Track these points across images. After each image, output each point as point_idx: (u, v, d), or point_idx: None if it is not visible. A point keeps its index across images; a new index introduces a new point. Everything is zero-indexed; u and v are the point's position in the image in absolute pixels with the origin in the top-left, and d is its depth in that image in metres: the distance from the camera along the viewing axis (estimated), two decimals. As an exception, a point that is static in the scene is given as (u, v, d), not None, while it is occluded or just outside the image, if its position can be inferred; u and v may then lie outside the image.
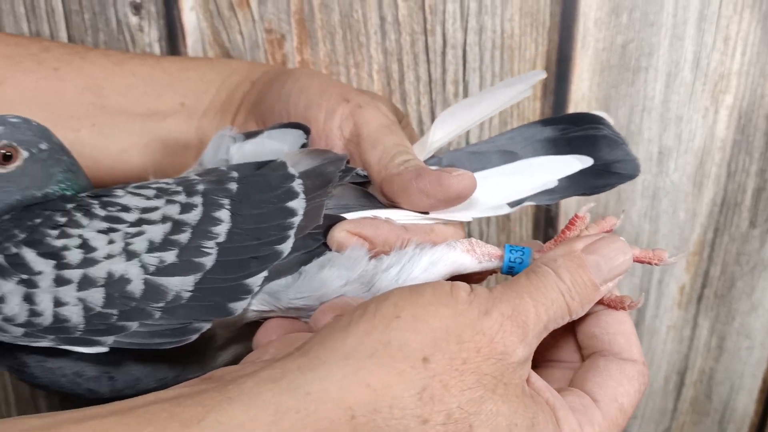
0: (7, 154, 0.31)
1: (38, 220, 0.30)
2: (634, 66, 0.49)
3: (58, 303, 0.28)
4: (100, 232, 0.29)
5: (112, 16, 0.48)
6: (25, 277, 0.28)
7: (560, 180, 0.34)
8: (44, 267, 0.28)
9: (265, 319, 0.31)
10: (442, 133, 0.35)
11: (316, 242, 0.31)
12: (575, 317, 0.28)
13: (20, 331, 0.28)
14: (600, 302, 0.30)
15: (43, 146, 0.32)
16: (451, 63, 0.50)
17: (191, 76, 0.42)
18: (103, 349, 0.28)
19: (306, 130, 0.36)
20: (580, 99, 0.51)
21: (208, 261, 0.30)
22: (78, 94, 0.41)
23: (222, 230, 0.30)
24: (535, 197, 0.34)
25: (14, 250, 0.29)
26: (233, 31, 0.49)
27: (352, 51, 0.49)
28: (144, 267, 0.29)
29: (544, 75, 0.36)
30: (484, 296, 0.27)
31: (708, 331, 0.59)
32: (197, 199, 0.31)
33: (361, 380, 0.24)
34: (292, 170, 0.33)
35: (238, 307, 0.30)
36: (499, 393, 0.25)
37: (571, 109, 0.50)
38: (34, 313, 0.28)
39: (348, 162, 0.34)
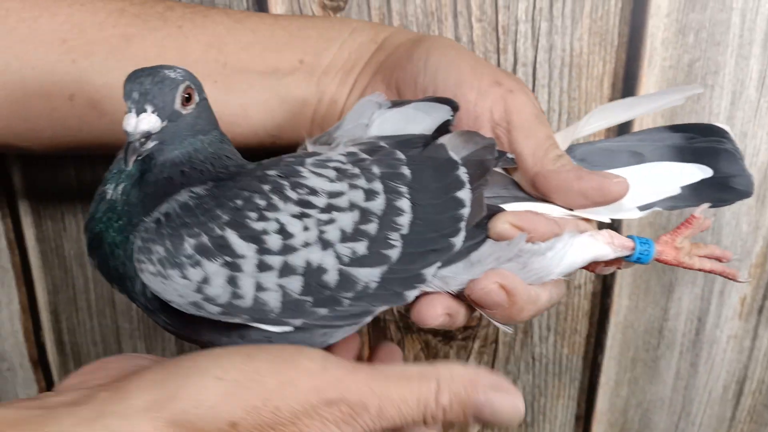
0: (188, 96, 0.31)
1: (239, 202, 0.30)
2: (700, 84, 0.51)
3: (259, 288, 0.29)
4: (294, 216, 0.30)
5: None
6: (229, 259, 0.29)
7: (683, 188, 0.36)
8: (247, 251, 0.29)
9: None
10: (590, 128, 0.38)
11: (482, 232, 0.33)
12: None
13: (218, 309, 0.29)
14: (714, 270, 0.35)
15: (203, 94, 0.33)
16: (521, 79, 0.53)
17: (311, 34, 0.42)
18: (290, 329, 0.30)
19: (455, 107, 0.36)
20: (647, 115, 0.53)
21: (394, 254, 0.31)
22: (201, 52, 0.41)
23: (405, 221, 0.31)
24: (661, 203, 0.36)
25: (219, 231, 0.29)
26: (320, 49, 0.53)
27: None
28: (339, 257, 0.30)
29: (701, 90, 0.39)
30: (331, 378, 0.28)
31: (769, 342, 0.60)
32: (378, 186, 0.32)
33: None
34: (454, 156, 0.34)
35: (412, 294, 0.32)
36: None
37: (637, 125, 0.53)
38: (236, 296, 0.29)
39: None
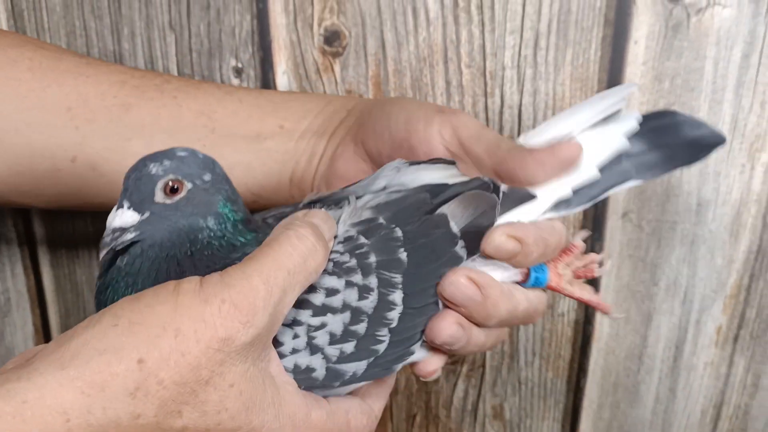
0: (174, 187, 0.33)
1: None
2: (632, 83, 0.54)
3: None
4: (286, 325, 0.32)
5: (217, 78, 0.57)
6: None
7: (629, 139, 0.38)
8: None
9: None
10: (535, 141, 0.39)
11: None
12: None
13: None
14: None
15: (206, 177, 0.34)
16: (508, 121, 0.56)
17: (292, 105, 0.47)
18: None
19: (452, 163, 0.38)
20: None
21: (382, 347, 0.33)
22: (193, 118, 0.45)
23: (395, 315, 0.33)
24: (638, 176, 0.38)
25: None
26: (318, 91, 0.57)
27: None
28: (326, 358, 0.32)
29: (635, 87, 0.41)
30: (210, 284, 0.28)
31: (744, 369, 0.63)
32: (373, 281, 0.33)
33: (76, 388, 0.26)
34: (454, 228, 0.35)
35: (400, 366, 0.35)
36: (213, 382, 0.28)
37: (616, 164, 0.56)
38: None
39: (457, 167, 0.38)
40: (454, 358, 0.64)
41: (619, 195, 0.58)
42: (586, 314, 0.61)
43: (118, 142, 0.44)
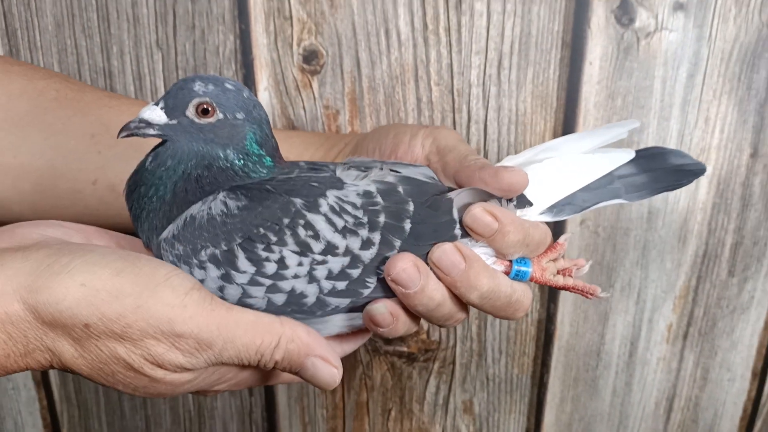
0: (206, 109, 0.37)
1: (256, 231, 0.36)
2: (627, 141, 0.59)
3: (245, 295, 0.36)
4: (294, 253, 0.36)
5: (203, 94, 0.60)
6: (229, 271, 0.36)
7: (625, 165, 0.42)
8: (248, 268, 0.36)
9: None
10: (514, 161, 0.42)
11: None
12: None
13: None
14: (573, 288, 0.41)
15: (239, 115, 0.37)
16: (474, 135, 0.60)
17: (295, 140, 0.51)
18: None
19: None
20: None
21: (366, 291, 0.37)
22: None
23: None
24: (627, 196, 0.42)
25: (231, 248, 0.36)
26: (298, 107, 0.60)
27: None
28: (320, 289, 0.37)
29: (637, 124, 0.44)
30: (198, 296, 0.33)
31: (693, 364, 0.68)
32: (376, 237, 0.37)
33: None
34: (455, 214, 0.39)
35: (367, 306, 0.38)
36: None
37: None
38: (223, 292, 0.36)
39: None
40: (427, 355, 0.68)
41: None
42: (548, 314, 0.66)
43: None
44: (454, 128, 0.60)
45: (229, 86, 0.37)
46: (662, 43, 0.57)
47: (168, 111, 0.37)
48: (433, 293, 0.37)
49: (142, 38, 0.58)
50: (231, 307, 0.35)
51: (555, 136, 0.60)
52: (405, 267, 0.36)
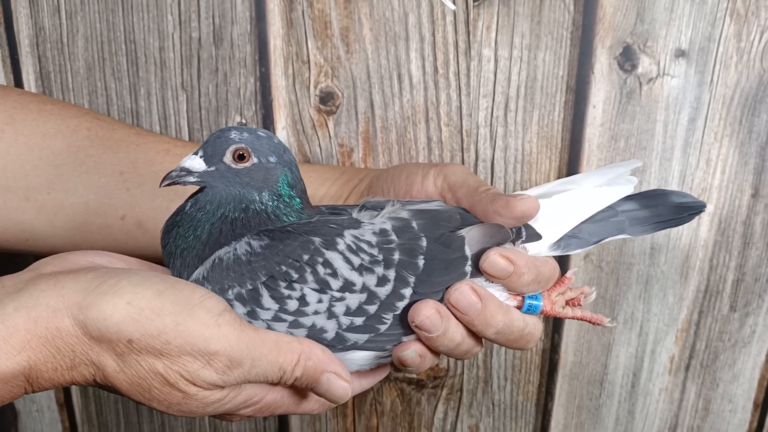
0: (242, 155, 0.40)
1: (279, 269, 0.39)
2: (636, 159, 0.61)
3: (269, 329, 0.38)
4: (314, 291, 0.39)
5: (224, 132, 0.63)
6: (255, 308, 0.38)
7: (628, 200, 0.44)
8: (271, 305, 0.38)
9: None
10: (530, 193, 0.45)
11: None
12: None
13: None
14: (584, 319, 0.43)
15: (272, 159, 0.40)
16: (482, 173, 0.63)
17: (311, 174, 0.54)
18: None
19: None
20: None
21: (383, 327, 0.40)
22: None
23: (402, 305, 0.40)
24: (630, 230, 0.44)
25: (256, 287, 0.39)
26: (314, 144, 0.63)
27: (404, 162, 0.63)
28: (339, 324, 0.39)
29: (639, 163, 0.46)
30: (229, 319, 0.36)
31: (695, 395, 0.69)
32: (391, 274, 0.40)
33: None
34: (467, 251, 0.41)
35: (390, 347, 0.41)
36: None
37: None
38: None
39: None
40: (435, 382, 0.70)
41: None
42: (553, 344, 0.68)
43: (163, 203, 0.50)
44: (463, 166, 0.63)
45: (261, 134, 0.41)
46: (664, 89, 0.59)
47: (207, 159, 0.40)
48: (453, 335, 0.41)
49: (168, 81, 0.62)
50: (257, 328, 0.38)
51: (560, 174, 0.62)
52: (429, 314, 0.39)
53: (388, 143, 0.63)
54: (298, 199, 0.42)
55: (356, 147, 0.63)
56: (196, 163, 0.40)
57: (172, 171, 0.40)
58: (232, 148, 0.40)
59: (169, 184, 0.40)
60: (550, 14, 0.58)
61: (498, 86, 0.60)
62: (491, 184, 0.63)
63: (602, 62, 0.59)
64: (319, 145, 0.63)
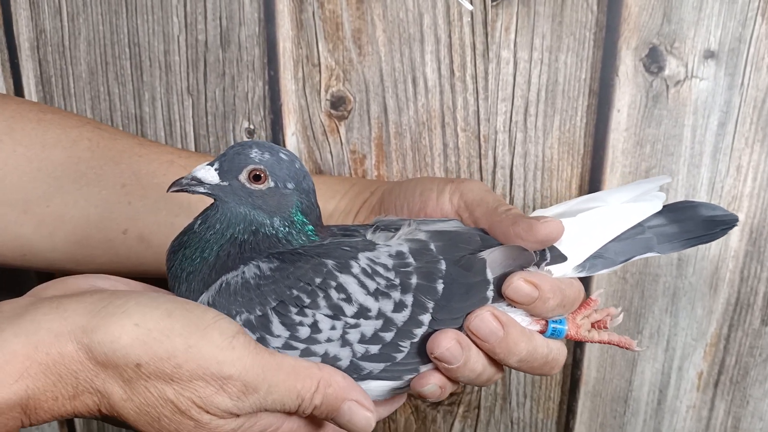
0: (258, 176, 0.38)
1: (289, 293, 0.36)
2: (666, 175, 0.58)
3: None
4: (327, 317, 0.37)
5: (231, 139, 0.61)
6: (265, 335, 0.36)
7: (656, 216, 0.42)
8: (282, 332, 0.36)
9: None
10: (549, 212, 0.42)
11: None
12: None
13: None
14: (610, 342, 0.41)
15: (290, 185, 0.38)
16: (500, 180, 0.60)
17: (321, 187, 0.51)
18: None
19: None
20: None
21: (400, 356, 0.38)
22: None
23: (420, 332, 0.38)
24: (659, 247, 0.42)
25: (266, 313, 0.36)
26: (325, 151, 0.61)
27: (419, 169, 0.61)
28: (353, 353, 0.37)
29: (669, 179, 0.44)
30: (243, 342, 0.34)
31: (724, 413, 0.66)
32: (408, 299, 0.37)
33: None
34: (489, 275, 0.39)
35: (407, 377, 0.38)
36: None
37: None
38: None
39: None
40: (451, 399, 0.67)
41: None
42: (574, 359, 0.65)
43: (167, 218, 0.48)
44: (480, 174, 0.60)
45: (283, 156, 0.38)
46: (692, 92, 0.57)
47: (221, 173, 0.38)
48: (474, 365, 0.38)
49: (173, 85, 0.59)
50: (273, 351, 0.35)
51: (582, 181, 0.60)
52: (449, 346, 0.37)
53: (402, 149, 0.60)
54: (311, 227, 0.40)
55: (369, 154, 0.61)
56: (209, 174, 0.38)
57: (182, 178, 0.38)
58: (250, 167, 0.38)
59: (177, 191, 0.38)
60: (572, 14, 0.55)
61: (517, 90, 0.58)
62: (510, 192, 0.61)
63: (627, 64, 0.56)
64: (330, 152, 0.61)
